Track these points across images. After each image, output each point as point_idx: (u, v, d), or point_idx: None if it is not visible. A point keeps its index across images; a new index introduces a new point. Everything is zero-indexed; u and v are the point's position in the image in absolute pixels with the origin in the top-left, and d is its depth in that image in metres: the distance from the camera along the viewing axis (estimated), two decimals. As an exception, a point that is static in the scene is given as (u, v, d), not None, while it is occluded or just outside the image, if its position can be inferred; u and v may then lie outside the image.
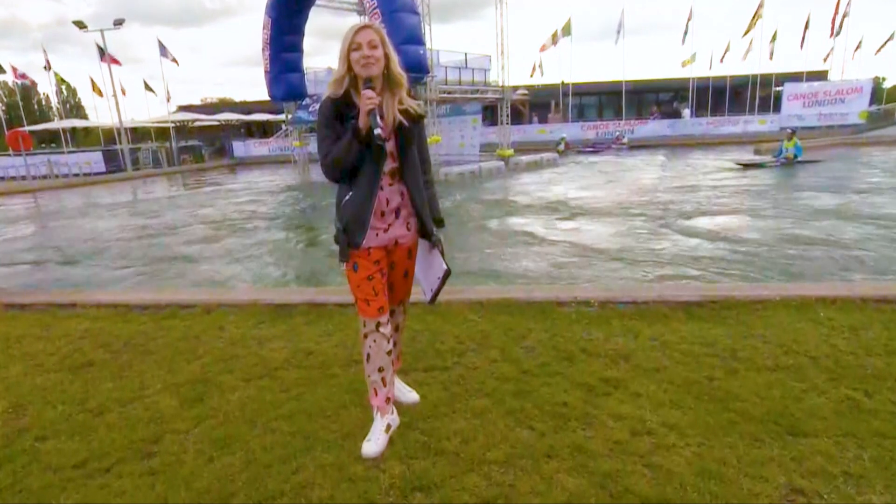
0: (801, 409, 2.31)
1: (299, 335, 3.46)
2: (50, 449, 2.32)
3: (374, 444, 2.19)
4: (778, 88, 28.68)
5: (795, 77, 29.63)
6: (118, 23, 25.49)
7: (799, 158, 14.60)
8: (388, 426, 2.26)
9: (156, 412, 2.58)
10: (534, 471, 2.00)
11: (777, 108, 28.31)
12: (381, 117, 2.06)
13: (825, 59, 30.89)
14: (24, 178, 24.13)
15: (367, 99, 1.97)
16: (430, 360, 2.98)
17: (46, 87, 56.01)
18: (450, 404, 2.50)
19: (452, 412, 2.44)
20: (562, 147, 25.63)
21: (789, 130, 15.40)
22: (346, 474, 2.04)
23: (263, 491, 1.97)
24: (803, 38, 29.94)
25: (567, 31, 30.36)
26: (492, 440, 2.20)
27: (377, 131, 1.96)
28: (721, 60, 32.44)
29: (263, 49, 18.19)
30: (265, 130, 39.97)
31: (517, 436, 2.23)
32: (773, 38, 31.10)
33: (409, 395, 2.55)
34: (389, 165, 2.13)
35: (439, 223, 2.34)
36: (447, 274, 2.25)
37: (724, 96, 31.86)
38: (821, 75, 31.48)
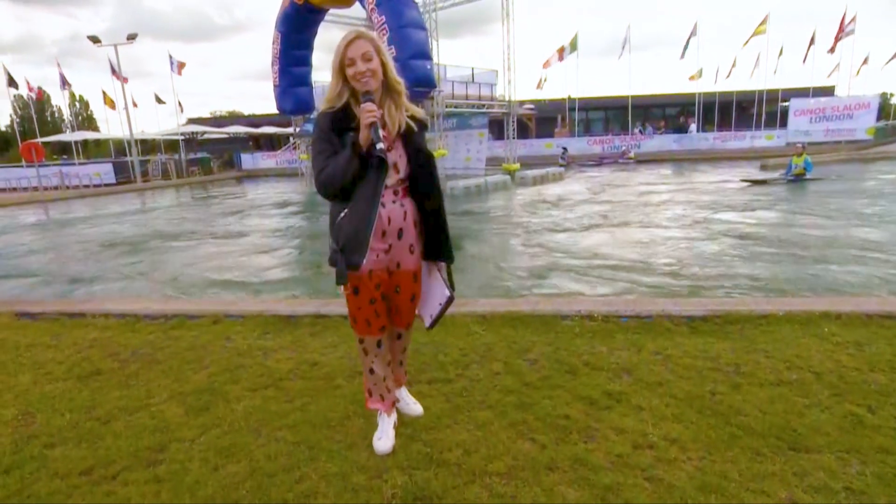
0: (803, 425, 2.30)
1: (305, 346, 3.49)
2: (57, 456, 2.35)
3: (386, 440, 2.26)
4: (784, 104, 28.73)
5: (802, 92, 29.68)
6: (131, 38, 26.00)
7: (809, 175, 14.47)
8: (395, 424, 2.32)
9: (162, 421, 2.61)
10: (535, 483, 2.01)
11: (784, 124, 28.35)
12: (384, 127, 1.97)
13: (829, 75, 30.94)
14: (35, 188, 24.44)
15: (367, 112, 1.86)
16: (433, 372, 3.00)
17: (60, 100, 57.01)
18: (452, 416, 2.52)
19: (455, 424, 2.45)
20: (563, 160, 25.58)
21: (799, 145, 15.27)
22: (349, 484, 2.06)
23: (267, 500, 1.99)
24: (806, 55, 30.06)
25: (574, 46, 30.64)
26: (494, 452, 2.21)
27: (379, 146, 1.85)
28: (728, 76, 32.57)
29: (273, 63, 18.48)
30: (273, 143, 40.38)
31: (519, 448, 2.24)
32: (780, 54, 31.27)
33: (414, 406, 2.55)
34: (393, 178, 2.01)
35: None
36: (450, 300, 2.14)
37: (730, 111, 31.93)
38: (827, 91, 31.51)
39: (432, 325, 2.24)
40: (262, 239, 10.58)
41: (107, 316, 4.33)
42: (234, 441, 2.39)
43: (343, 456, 2.24)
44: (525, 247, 8.60)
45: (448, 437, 2.34)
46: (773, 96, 30.77)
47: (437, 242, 2.15)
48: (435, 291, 2.21)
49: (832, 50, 28.48)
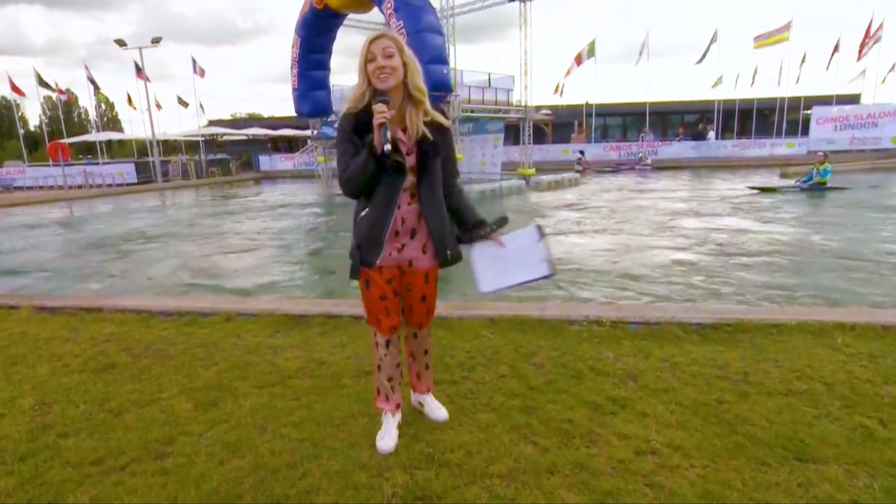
0: (811, 435, 2.27)
1: (314, 345, 3.53)
2: (70, 445, 2.41)
3: (389, 439, 2.29)
4: (807, 111, 28.25)
5: (825, 100, 29.14)
6: (155, 41, 26.56)
7: (827, 182, 14.18)
8: (399, 424, 2.35)
9: (171, 415, 2.66)
10: (535, 486, 2.01)
11: (806, 132, 27.87)
12: (404, 130, 2.04)
13: (851, 81, 30.21)
14: (61, 187, 25.08)
15: (377, 113, 1.90)
16: (439, 373, 3.00)
17: (87, 102, 58.42)
18: (456, 417, 2.53)
19: (458, 425, 2.47)
20: (579, 166, 25.43)
21: (821, 154, 14.99)
22: (351, 482, 2.08)
23: (269, 495, 2.02)
24: (830, 61, 29.47)
25: (591, 51, 30.52)
26: (495, 454, 2.22)
27: (387, 147, 1.90)
28: (751, 83, 32.05)
29: (292, 66, 18.72)
30: (291, 145, 40.84)
31: (521, 451, 2.24)
32: (803, 61, 30.74)
33: (438, 412, 2.52)
34: (409, 181, 2.07)
35: (482, 225, 2.22)
36: (539, 228, 2.15)
37: (750, 119, 31.48)
38: (852, 99, 30.88)
39: (552, 268, 2.18)
40: (265, 240, 10.71)
41: (123, 311, 4.42)
42: (240, 436, 2.43)
43: (346, 454, 2.26)
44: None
45: (450, 438, 2.36)
46: (795, 104, 30.25)
47: (444, 238, 2.19)
48: (520, 239, 2.21)
49: (858, 57, 27.89)
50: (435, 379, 2.92)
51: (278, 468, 2.18)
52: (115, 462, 2.27)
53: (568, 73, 31.03)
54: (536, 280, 2.18)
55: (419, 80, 2.03)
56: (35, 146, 45.08)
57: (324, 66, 19.13)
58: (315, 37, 18.18)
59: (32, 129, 54.45)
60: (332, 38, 19.00)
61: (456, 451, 2.25)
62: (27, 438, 2.49)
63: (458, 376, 2.98)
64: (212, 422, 2.58)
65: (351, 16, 18.71)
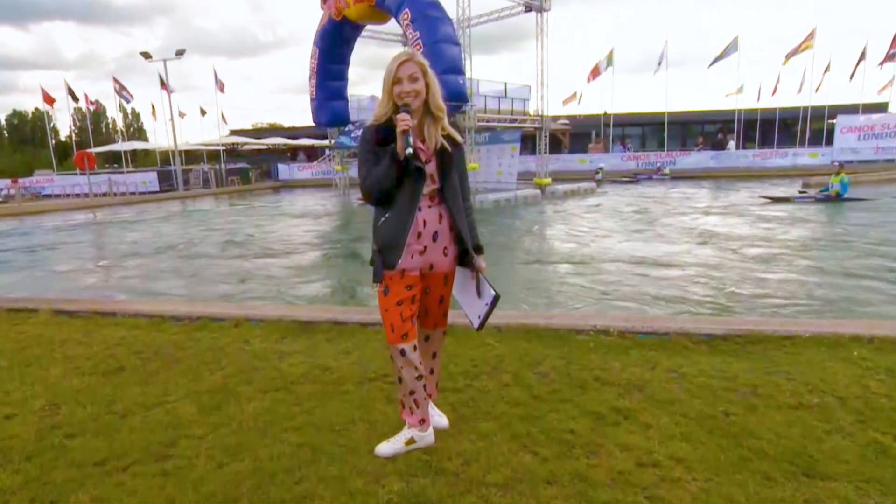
0: (821, 451, 2.20)
1: (319, 351, 3.55)
2: (76, 446, 2.45)
3: (387, 445, 2.29)
4: (832, 121, 27.66)
5: (851, 109, 28.52)
6: (179, 53, 27.22)
7: (844, 195, 13.85)
8: (412, 439, 2.30)
9: (175, 417, 2.69)
10: (532, 496, 1.98)
11: (830, 141, 27.30)
12: (423, 140, 2.14)
13: (880, 92, 29.50)
14: (87, 195, 25.75)
15: (401, 121, 2.03)
16: (442, 381, 2.96)
17: (114, 112, 60.12)
18: (456, 425, 2.51)
19: (458, 433, 2.45)
20: (600, 176, 25.43)
21: (836, 164, 14.71)
22: (347, 488, 2.07)
23: (266, 498, 2.03)
24: (855, 70, 28.83)
25: (610, 61, 30.41)
26: (493, 463, 2.19)
27: (409, 150, 2.01)
28: (773, 92, 31.48)
29: (310, 77, 19.04)
30: (310, 155, 41.34)
31: (519, 460, 2.21)
32: (826, 70, 30.16)
33: (438, 419, 2.52)
34: (429, 187, 2.16)
35: (478, 250, 2.30)
36: (496, 299, 2.23)
37: (772, 128, 30.94)
38: (879, 108, 30.15)
39: (481, 326, 2.33)
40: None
41: (136, 316, 4.50)
42: (241, 440, 2.44)
43: (344, 460, 2.26)
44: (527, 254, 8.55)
45: (449, 446, 2.34)
46: (818, 113, 29.64)
47: (467, 238, 2.25)
48: (481, 293, 2.30)
49: (882, 64, 27.22)
50: (438, 386, 2.92)
51: (276, 473, 2.18)
52: (118, 463, 2.30)
53: (590, 79, 30.91)
54: (494, 298, 2.25)
55: (440, 100, 2.15)
56: (65, 155, 46.42)
57: (341, 77, 19.42)
58: (333, 48, 18.49)
59: (63, 138, 56.13)
60: (350, 50, 19.29)
61: (454, 459, 2.23)
62: (35, 438, 2.54)
63: (461, 384, 2.97)
64: (214, 425, 2.60)
65: (368, 27, 18.99)
